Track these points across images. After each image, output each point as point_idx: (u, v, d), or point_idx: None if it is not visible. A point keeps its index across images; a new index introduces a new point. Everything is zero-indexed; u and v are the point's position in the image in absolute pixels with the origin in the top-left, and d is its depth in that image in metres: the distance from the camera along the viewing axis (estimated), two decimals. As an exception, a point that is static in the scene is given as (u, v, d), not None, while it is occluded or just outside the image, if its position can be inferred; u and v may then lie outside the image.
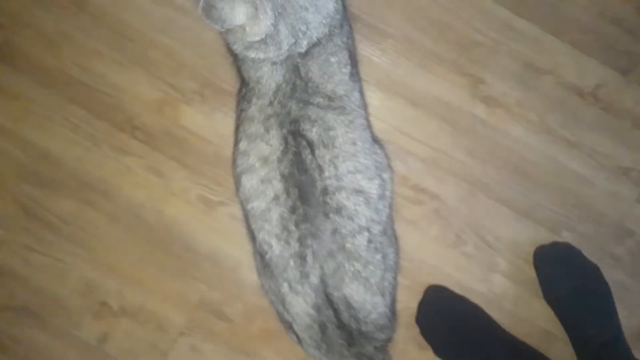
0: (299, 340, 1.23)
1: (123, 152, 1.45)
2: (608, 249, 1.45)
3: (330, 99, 1.19)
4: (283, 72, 1.19)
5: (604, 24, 1.47)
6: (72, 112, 1.45)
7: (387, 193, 1.26)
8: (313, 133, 1.15)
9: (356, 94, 1.25)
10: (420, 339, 1.41)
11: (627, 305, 1.41)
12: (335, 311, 1.15)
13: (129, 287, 1.45)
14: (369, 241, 1.16)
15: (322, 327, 1.17)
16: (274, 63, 1.18)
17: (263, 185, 1.16)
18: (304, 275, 1.14)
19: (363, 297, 1.16)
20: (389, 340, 1.27)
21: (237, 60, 1.26)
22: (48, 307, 1.44)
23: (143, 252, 1.45)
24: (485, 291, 1.45)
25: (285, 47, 1.16)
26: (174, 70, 1.46)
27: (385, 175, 1.26)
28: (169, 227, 1.45)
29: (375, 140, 1.31)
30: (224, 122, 1.41)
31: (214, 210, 1.45)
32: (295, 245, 1.14)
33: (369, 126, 1.29)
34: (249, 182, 1.18)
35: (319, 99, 1.18)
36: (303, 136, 1.15)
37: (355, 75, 1.27)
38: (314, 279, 1.14)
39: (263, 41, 1.15)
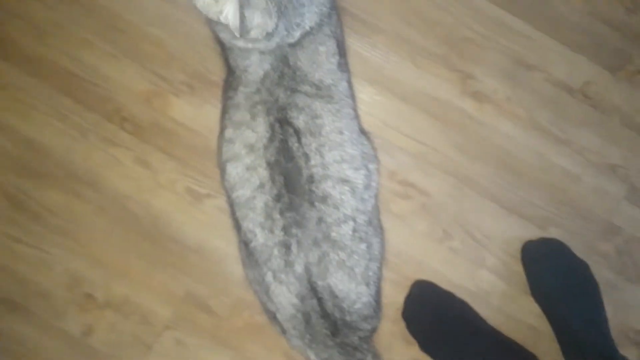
0: (283, 330, 1.19)
1: (111, 143, 1.42)
2: (595, 246, 1.42)
3: (318, 87, 1.16)
4: (271, 60, 1.15)
5: (594, 21, 1.44)
6: (61, 102, 1.42)
7: (373, 184, 1.22)
8: (300, 121, 1.12)
9: (344, 84, 1.22)
10: (407, 333, 1.38)
11: (614, 302, 1.38)
12: (320, 300, 1.12)
13: (114, 280, 1.41)
14: (354, 230, 1.13)
15: (306, 317, 1.14)
16: (262, 52, 1.15)
17: (248, 172, 1.13)
18: (289, 264, 1.10)
19: (347, 287, 1.12)
20: (373, 330, 1.23)
21: (224, 49, 1.23)
22: (32, 299, 1.40)
23: (129, 244, 1.41)
24: (472, 287, 1.41)
25: (277, 39, 1.13)
26: (164, 62, 1.43)
27: (372, 166, 1.22)
28: (156, 219, 1.41)
29: (363, 131, 1.27)
30: (213, 115, 1.36)
31: (201, 203, 1.41)
32: (279, 234, 1.10)
33: (357, 116, 1.26)
34: (235, 170, 1.15)
35: (306, 87, 1.15)
36: (290, 124, 1.12)
37: (343, 65, 1.24)
38: (299, 268, 1.10)
39: None
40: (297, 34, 1.13)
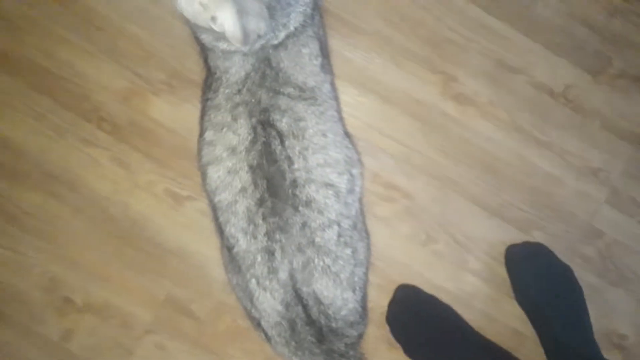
0: (267, 337, 1.13)
1: (88, 143, 1.36)
2: (578, 250, 1.39)
3: (301, 89, 1.10)
4: (253, 61, 1.09)
5: (575, 25, 1.41)
6: (37, 101, 1.35)
7: (357, 188, 1.17)
8: (283, 123, 1.06)
9: (327, 86, 1.17)
10: (391, 337, 1.34)
11: (596, 306, 1.34)
12: (305, 307, 1.06)
13: (93, 283, 1.35)
14: (339, 235, 1.08)
15: (291, 324, 1.08)
16: (245, 54, 1.09)
17: (230, 176, 1.07)
18: (272, 271, 1.05)
19: (333, 293, 1.07)
20: (360, 336, 1.18)
21: (204, 50, 1.16)
22: (9, 303, 1.35)
23: (108, 247, 1.36)
24: (456, 290, 1.37)
25: (263, 40, 1.07)
26: (143, 60, 1.36)
27: (355, 171, 1.17)
28: (135, 221, 1.36)
29: (347, 134, 1.22)
30: (193, 114, 1.29)
31: (181, 205, 1.36)
32: (262, 240, 1.05)
33: (341, 119, 1.20)
34: (216, 174, 1.09)
35: (289, 89, 1.09)
36: (273, 126, 1.06)
37: (326, 66, 1.18)
38: (283, 275, 1.05)
39: None
40: (282, 34, 1.08)
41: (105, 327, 1.35)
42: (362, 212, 1.22)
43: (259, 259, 1.05)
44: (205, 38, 1.11)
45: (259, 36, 1.01)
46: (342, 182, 1.10)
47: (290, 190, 1.04)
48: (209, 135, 1.11)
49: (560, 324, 1.27)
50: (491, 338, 1.35)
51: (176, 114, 1.36)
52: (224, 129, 1.08)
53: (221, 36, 1.03)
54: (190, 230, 1.36)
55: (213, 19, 0.97)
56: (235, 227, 1.07)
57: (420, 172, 1.38)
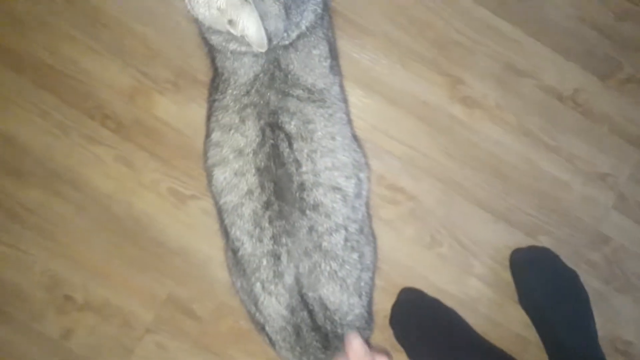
0: (272, 342, 1.10)
1: (93, 141, 1.33)
2: (584, 255, 1.36)
3: (310, 91, 1.07)
4: (262, 62, 1.06)
5: (585, 28, 1.37)
6: (41, 98, 1.33)
7: (364, 192, 1.14)
8: (292, 125, 1.03)
9: (336, 88, 1.13)
10: (394, 341, 1.31)
11: (602, 312, 1.32)
12: (310, 313, 1.03)
13: (94, 281, 1.33)
14: (346, 240, 1.04)
15: (296, 329, 1.05)
16: (255, 55, 1.06)
17: (236, 178, 1.03)
18: (278, 275, 1.02)
19: (339, 298, 1.03)
20: (366, 342, 1.15)
21: (212, 51, 1.13)
22: (10, 300, 1.32)
23: (110, 245, 1.33)
24: (460, 294, 1.35)
25: (275, 41, 1.03)
26: (148, 59, 1.33)
27: (362, 175, 1.13)
28: (138, 219, 1.33)
29: (355, 136, 1.18)
30: (198, 114, 1.27)
31: (184, 204, 1.33)
32: (268, 243, 1.01)
33: (349, 121, 1.17)
34: (222, 175, 1.05)
35: (298, 91, 1.06)
36: (281, 128, 1.02)
37: (335, 68, 1.15)
38: (289, 279, 1.01)
39: None
40: (293, 34, 1.04)
41: (106, 326, 1.33)
42: (368, 215, 1.18)
43: (265, 262, 1.02)
44: (215, 39, 1.07)
45: (277, 37, 0.98)
46: (349, 186, 1.06)
47: (297, 194, 1.01)
48: (215, 136, 1.08)
49: (565, 329, 1.25)
50: (495, 343, 1.33)
51: (181, 113, 1.33)
52: (232, 131, 1.05)
53: (236, 38, 1.00)
54: (194, 229, 1.33)
55: (231, 22, 0.94)
56: (241, 230, 1.04)
57: (426, 174, 1.36)
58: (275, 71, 1.05)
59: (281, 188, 1.01)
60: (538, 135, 1.36)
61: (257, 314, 1.08)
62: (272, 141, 1.02)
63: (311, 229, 1.01)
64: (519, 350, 1.32)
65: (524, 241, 1.35)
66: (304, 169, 1.02)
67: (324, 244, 1.02)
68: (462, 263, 1.35)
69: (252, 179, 1.02)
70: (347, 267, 1.04)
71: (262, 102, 1.04)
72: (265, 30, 0.92)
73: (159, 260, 1.33)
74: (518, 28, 1.37)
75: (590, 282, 1.34)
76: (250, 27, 0.92)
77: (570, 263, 1.33)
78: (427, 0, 1.37)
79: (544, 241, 1.36)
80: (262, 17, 0.92)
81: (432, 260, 1.35)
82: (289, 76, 1.06)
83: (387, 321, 1.32)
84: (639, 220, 1.37)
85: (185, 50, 1.33)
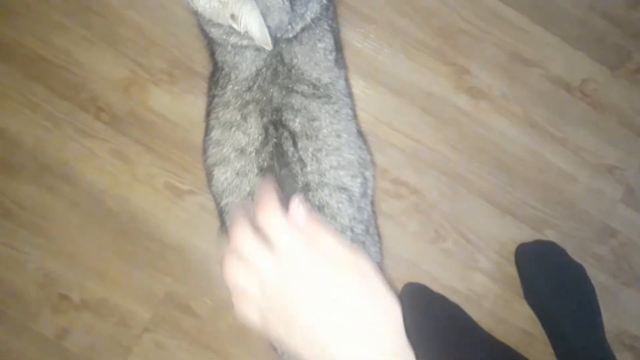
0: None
1: (86, 134, 1.28)
2: (591, 249, 1.33)
3: (315, 87, 1.02)
4: (264, 56, 1.00)
5: (594, 17, 1.33)
6: (32, 90, 1.28)
7: (369, 191, 1.09)
8: (296, 123, 0.98)
9: (342, 82, 1.08)
10: (397, 338, 1.27)
11: (609, 307, 1.29)
12: None
13: (90, 279, 1.28)
14: (352, 241, 1.00)
15: None
16: (257, 49, 1.00)
17: (238, 178, 0.98)
18: None
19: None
20: None
21: (212, 44, 1.07)
22: (4, 299, 1.28)
23: (106, 242, 1.28)
24: (465, 289, 1.31)
25: (279, 35, 0.98)
26: (143, 49, 1.29)
27: (368, 173, 1.09)
28: (133, 215, 1.29)
29: (360, 132, 1.14)
30: (195, 105, 1.24)
31: (181, 199, 1.28)
32: None
33: (355, 117, 1.12)
34: (223, 176, 1.00)
35: (303, 87, 1.00)
36: (285, 126, 0.97)
37: (340, 61, 1.10)
38: None
39: None
40: (298, 27, 0.99)
41: (103, 324, 1.28)
42: (374, 214, 1.14)
43: None
44: (215, 32, 1.02)
45: (281, 30, 0.93)
46: (355, 186, 1.02)
47: (302, 195, 0.97)
48: (216, 134, 1.02)
49: (571, 324, 1.23)
50: (500, 338, 1.27)
51: (177, 105, 1.29)
52: (233, 128, 1.00)
53: (237, 31, 0.94)
54: (191, 225, 1.29)
55: (233, 17, 0.88)
56: None
57: (430, 167, 1.31)
58: (278, 66, 1.00)
59: (285, 189, 0.96)
60: (545, 127, 1.33)
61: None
62: (275, 140, 0.97)
63: None
64: (525, 346, 1.29)
65: (530, 235, 1.32)
66: (308, 168, 0.97)
67: None
68: (467, 258, 1.32)
69: (254, 180, 0.97)
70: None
71: (264, 98, 0.99)
72: (269, 27, 0.87)
73: (156, 257, 1.29)
74: (525, 16, 1.33)
75: (596, 276, 1.31)
76: (252, 26, 0.86)
77: (576, 257, 1.30)
78: (432, -14, 1.32)
79: (550, 235, 1.32)
80: (266, 9, 0.87)
81: (436, 255, 1.31)
82: (293, 71, 1.00)
83: (390, 318, 1.29)
84: (647, 214, 1.35)
85: (181, 40, 1.28)
